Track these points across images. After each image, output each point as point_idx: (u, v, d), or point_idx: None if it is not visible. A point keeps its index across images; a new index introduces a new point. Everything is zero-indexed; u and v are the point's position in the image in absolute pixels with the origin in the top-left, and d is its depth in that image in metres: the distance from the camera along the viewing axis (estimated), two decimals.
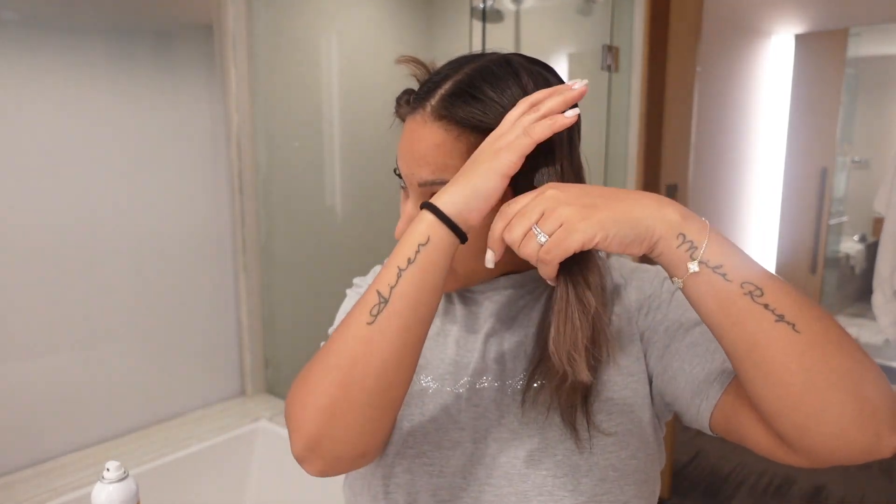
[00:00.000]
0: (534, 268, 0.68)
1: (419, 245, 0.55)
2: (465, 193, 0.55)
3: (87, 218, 1.44)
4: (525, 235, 0.53)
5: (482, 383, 0.68)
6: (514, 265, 0.69)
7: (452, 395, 0.68)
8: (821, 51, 3.19)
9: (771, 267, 3.41)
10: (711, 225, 0.53)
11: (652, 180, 2.20)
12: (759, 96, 3.31)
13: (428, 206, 0.56)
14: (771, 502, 2.45)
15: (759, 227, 3.41)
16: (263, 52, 1.73)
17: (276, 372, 1.84)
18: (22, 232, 1.35)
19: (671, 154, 2.29)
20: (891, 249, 2.26)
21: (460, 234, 0.56)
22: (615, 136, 2.04)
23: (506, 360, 0.68)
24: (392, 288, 0.55)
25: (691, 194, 2.48)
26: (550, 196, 0.53)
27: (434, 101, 0.60)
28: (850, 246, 3.48)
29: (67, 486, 1.30)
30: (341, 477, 0.74)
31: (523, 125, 0.55)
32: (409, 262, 0.55)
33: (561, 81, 0.64)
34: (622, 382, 0.66)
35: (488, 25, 1.72)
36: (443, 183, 0.59)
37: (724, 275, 0.50)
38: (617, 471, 0.63)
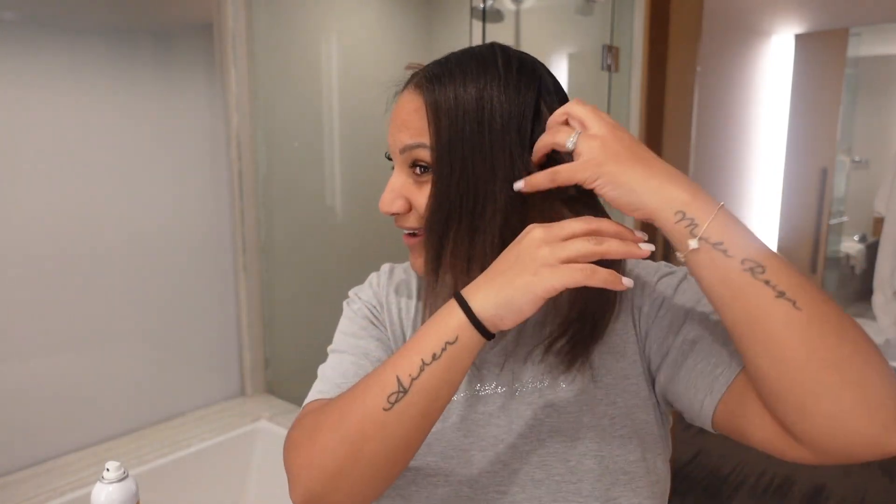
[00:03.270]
0: None
1: (446, 343, 0.54)
2: (499, 302, 0.53)
3: (87, 218, 1.44)
4: (563, 132, 0.57)
5: (486, 390, 0.68)
6: None
7: (456, 403, 0.68)
8: (821, 51, 3.19)
9: None
10: (723, 205, 0.53)
11: None
12: (759, 96, 3.31)
13: (459, 299, 0.55)
14: (771, 502, 2.45)
15: (760, 228, 3.41)
16: (263, 52, 1.73)
17: (276, 372, 1.84)
18: (22, 232, 1.35)
19: (671, 154, 2.29)
20: (891, 249, 2.26)
21: (488, 335, 0.55)
22: None
23: (512, 365, 0.68)
24: (413, 380, 0.54)
25: None
26: (596, 129, 0.56)
27: (417, 76, 0.64)
28: (850, 246, 3.48)
29: (67, 486, 1.30)
30: None
31: (581, 252, 0.52)
32: (434, 357, 0.54)
33: (549, 74, 0.64)
34: (621, 386, 0.66)
35: (488, 25, 1.72)
36: (421, 146, 0.62)
37: (724, 251, 0.51)
38: (627, 474, 0.63)
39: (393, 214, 0.67)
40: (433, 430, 0.66)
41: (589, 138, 0.56)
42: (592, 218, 0.55)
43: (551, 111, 0.61)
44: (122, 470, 0.82)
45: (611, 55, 1.94)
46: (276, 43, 1.79)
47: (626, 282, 0.53)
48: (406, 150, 0.63)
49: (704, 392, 0.60)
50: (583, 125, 0.57)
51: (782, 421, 0.52)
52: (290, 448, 0.60)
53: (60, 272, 1.41)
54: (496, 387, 0.68)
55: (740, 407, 0.57)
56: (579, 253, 0.52)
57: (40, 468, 1.38)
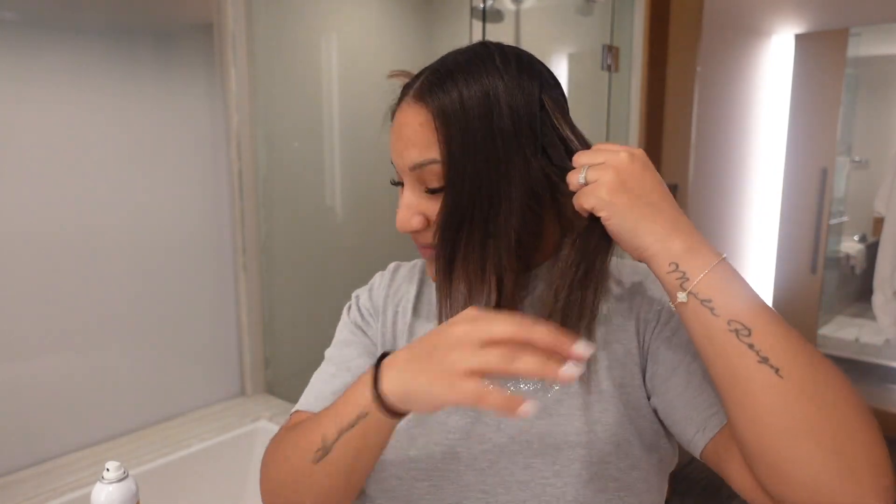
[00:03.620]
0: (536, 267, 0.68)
1: (359, 416, 0.53)
2: (407, 390, 0.51)
3: (87, 218, 1.44)
4: (576, 172, 0.57)
5: None
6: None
7: None
8: (821, 51, 3.19)
9: (771, 267, 3.41)
10: (724, 259, 0.53)
11: None
12: (759, 96, 3.31)
13: (375, 371, 0.53)
14: None
15: (759, 227, 3.41)
16: (263, 52, 1.73)
17: (276, 372, 1.84)
18: (22, 232, 1.35)
19: (671, 154, 2.29)
20: (891, 249, 2.26)
21: (398, 415, 0.53)
22: (615, 136, 2.04)
23: None
24: (334, 442, 0.56)
25: (691, 194, 2.48)
26: (616, 161, 0.55)
27: (416, 86, 0.62)
28: (850, 246, 3.48)
29: (67, 486, 1.30)
30: None
31: (489, 367, 0.47)
32: (350, 426, 0.54)
33: (546, 71, 0.64)
34: (617, 394, 0.65)
35: (488, 25, 1.72)
36: (432, 162, 0.60)
37: (711, 309, 0.51)
38: (617, 481, 0.63)
39: (411, 232, 0.65)
40: (418, 420, 0.67)
41: (603, 168, 0.55)
42: (529, 324, 0.48)
43: (555, 103, 0.61)
44: (122, 470, 0.81)
45: (611, 55, 1.94)
46: (276, 43, 1.79)
47: (523, 410, 0.46)
48: (417, 167, 0.61)
49: (697, 427, 0.60)
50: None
51: (759, 480, 0.52)
52: (262, 464, 0.67)
53: (60, 272, 1.41)
54: (486, 385, 0.67)
55: (727, 452, 0.57)
56: (488, 367, 0.47)
57: (40, 468, 1.38)
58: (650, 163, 0.57)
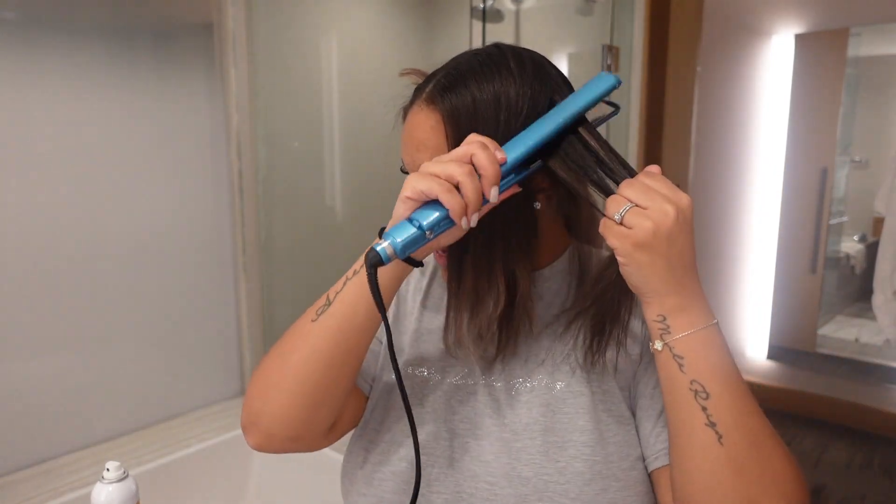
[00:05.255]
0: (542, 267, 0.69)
1: (360, 266, 0.60)
2: (398, 209, 0.56)
3: (87, 218, 1.44)
4: (618, 204, 0.55)
5: (483, 380, 0.68)
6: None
7: (452, 387, 0.69)
8: (821, 51, 3.19)
9: (771, 267, 3.41)
10: (713, 325, 0.55)
11: None
12: (759, 96, 3.31)
13: (382, 230, 0.59)
14: None
15: (759, 227, 3.41)
16: (263, 52, 1.73)
17: None
18: (22, 232, 1.35)
19: (671, 154, 2.29)
20: (891, 249, 2.26)
21: (412, 262, 0.59)
22: (615, 136, 2.04)
23: (512, 360, 0.68)
24: (337, 293, 0.61)
25: (691, 194, 2.48)
26: (659, 216, 0.53)
27: (429, 88, 0.62)
28: (850, 246, 3.48)
29: (67, 486, 1.30)
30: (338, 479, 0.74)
31: (439, 173, 0.54)
32: (356, 272, 0.61)
33: (555, 69, 0.64)
34: (620, 395, 0.66)
35: (488, 25, 1.72)
36: None
37: (681, 365, 0.55)
38: (619, 481, 0.63)
39: None
40: (428, 408, 0.68)
41: (643, 217, 0.53)
42: (485, 143, 0.54)
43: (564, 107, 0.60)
44: (122, 470, 0.81)
45: (611, 55, 1.94)
46: (276, 43, 1.79)
47: (465, 223, 0.54)
48: None
49: (651, 453, 0.65)
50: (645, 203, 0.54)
51: None
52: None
53: (60, 272, 1.41)
54: (494, 380, 0.68)
55: (666, 486, 0.62)
56: (429, 190, 0.53)
57: (40, 468, 1.38)
58: (691, 219, 0.55)
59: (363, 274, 0.59)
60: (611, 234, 0.54)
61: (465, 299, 0.62)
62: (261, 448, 0.65)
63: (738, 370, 0.56)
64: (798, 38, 3.25)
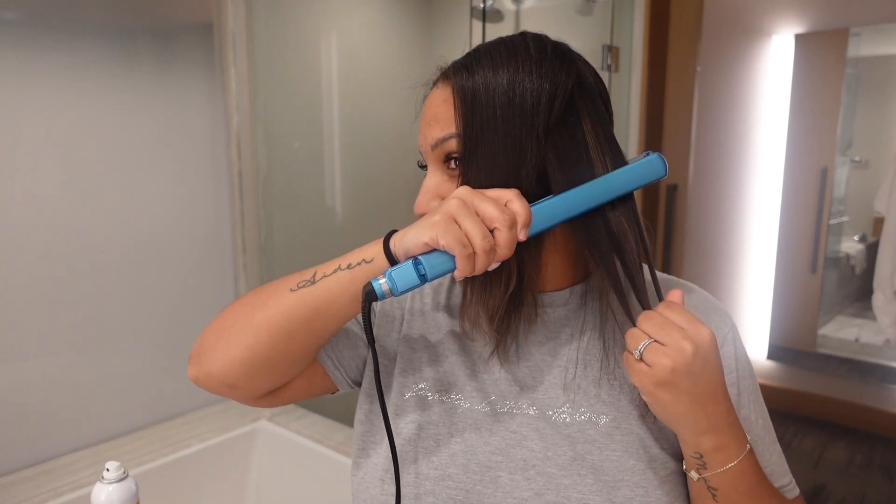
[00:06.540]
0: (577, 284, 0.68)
1: (363, 259, 0.59)
2: (407, 237, 0.57)
3: (87, 218, 1.44)
4: (636, 339, 0.56)
5: (515, 408, 0.65)
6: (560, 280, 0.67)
7: (484, 415, 0.65)
8: (821, 51, 3.19)
9: (771, 266, 3.41)
10: (748, 453, 0.57)
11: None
12: (759, 96, 3.31)
13: (389, 233, 0.60)
14: None
15: (759, 227, 3.41)
16: (263, 52, 1.73)
17: None
18: (22, 232, 1.35)
19: (671, 154, 2.29)
20: (891, 249, 2.26)
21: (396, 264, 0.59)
22: (616, 136, 2.03)
23: (545, 386, 0.65)
24: (324, 277, 0.60)
25: (691, 194, 2.48)
26: (677, 353, 0.53)
27: (447, 67, 0.63)
28: (850, 246, 3.48)
29: (67, 486, 1.30)
30: (347, 484, 0.72)
31: (453, 213, 0.54)
32: (349, 267, 0.59)
33: (588, 67, 0.62)
34: (668, 430, 0.63)
35: (488, 25, 1.72)
36: (452, 137, 0.60)
37: (714, 495, 0.58)
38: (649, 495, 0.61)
39: None
40: (460, 439, 0.64)
41: (662, 355, 0.53)
42: (515, 219, 0.55)
43: (590, 114, 0.59)
44: (122, 470, 0.81)
45: (611, 55, 1.94)
46: (276, 43, 1.79)
47: (478, 267, 0.55)
48: (437, 144, 0.61)
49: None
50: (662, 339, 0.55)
51: None
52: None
53: (60, 272, 1.41)
54: (527, 407, 0.64)
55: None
56: (468, 232, 0.54)
57: (40, 468, 1.38)
58: (715, 352, 0.55)
59: (355, 272, 0.59)
60: (632, 371, 0.56)
61: (479, 280, 0.62)
62: (197, 382, 0.65)
63: (769, 485, 0.60)
64: (798, 38, 3.25)
